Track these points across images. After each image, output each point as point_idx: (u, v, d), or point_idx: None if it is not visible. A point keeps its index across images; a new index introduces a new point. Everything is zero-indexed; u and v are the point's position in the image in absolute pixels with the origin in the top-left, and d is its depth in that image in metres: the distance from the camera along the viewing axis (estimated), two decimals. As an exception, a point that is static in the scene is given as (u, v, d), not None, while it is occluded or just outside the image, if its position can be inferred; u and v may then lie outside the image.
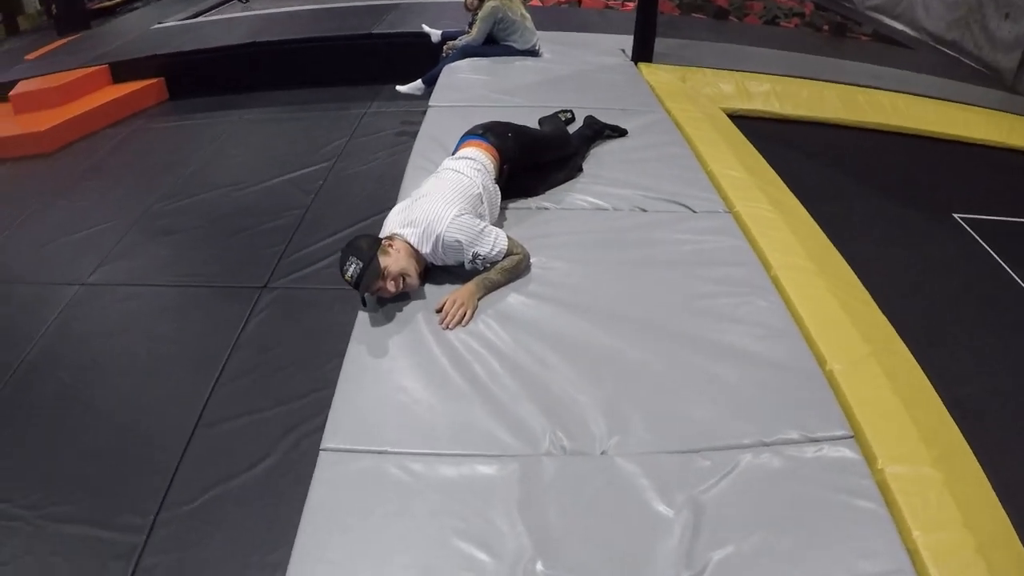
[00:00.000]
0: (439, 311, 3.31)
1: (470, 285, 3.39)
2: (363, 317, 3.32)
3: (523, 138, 4.30)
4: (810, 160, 5.83)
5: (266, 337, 4.59)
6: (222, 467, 3.66)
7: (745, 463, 2.55)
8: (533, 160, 4.33)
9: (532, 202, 4.25)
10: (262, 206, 6.20)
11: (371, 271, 3.21)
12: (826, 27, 11.05)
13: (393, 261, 3.32)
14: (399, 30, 9.03)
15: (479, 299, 3.38)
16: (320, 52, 9.07)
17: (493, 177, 4.00)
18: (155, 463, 3.70)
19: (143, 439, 3.88)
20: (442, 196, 3.58)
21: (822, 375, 2.99)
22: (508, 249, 3.49)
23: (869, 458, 2.63)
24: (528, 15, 7.30)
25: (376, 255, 3.27)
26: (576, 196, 4.31)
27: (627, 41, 7.32)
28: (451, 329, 3.21)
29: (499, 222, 3.93)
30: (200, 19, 11.36)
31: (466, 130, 4.27)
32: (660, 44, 7.14)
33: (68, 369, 4.46)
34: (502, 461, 2.58)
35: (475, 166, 3.91)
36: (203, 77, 9.12)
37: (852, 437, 2.69)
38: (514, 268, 3.50)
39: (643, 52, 7.01)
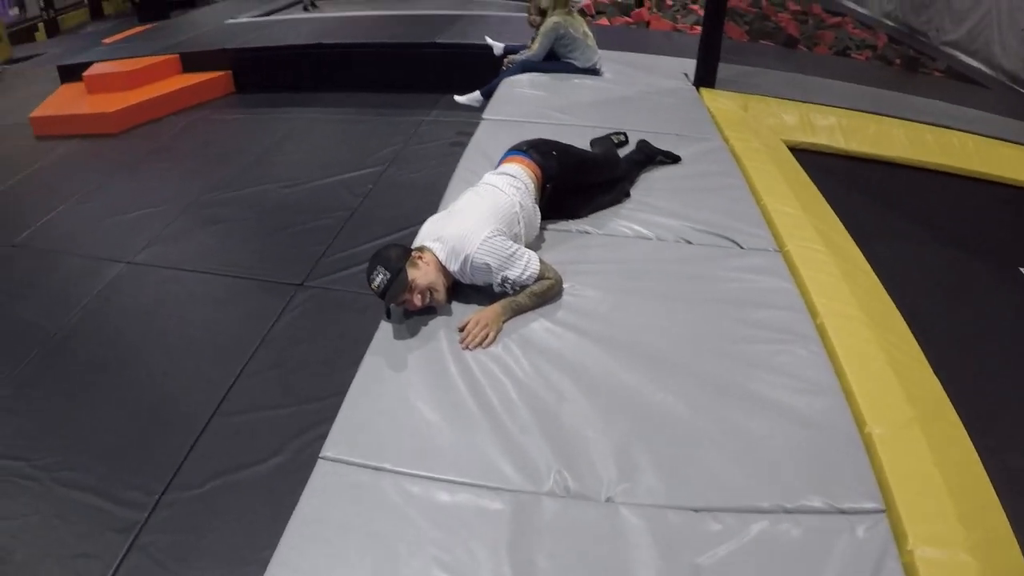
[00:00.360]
0: (461, 329, 3.17)
1: (496, 307, 3.24)
2: (384, 327, 3.20)
3: (568, 157, 4.10)
4: (870, 200, 5.47)
5: (296, 334, 4.54)
6: (232, 457, 3.63)
7: (759, 530, 2.30)
8: (578, 181, 4.13)
9: (573, 225, 4.03)
10: (310, 205, 6.16)
11: (398, 283, 3.09)
12: (898, 61, 10.68)
13: (422, 275, 3.20)
14: (462, 41, 8.93)
15: (504, 322, 3.22)
16: (383, 58, 9.04)
17: (533, 196, 3.82)
18: (169, 444, 3.70)
19: (162, 418, 3.90)
20: (476, 214, 3.43)
21: (859, 438, 2.67)
22: (540, 273, 3.32)
23: (899, 537, 2.33)
24: (591, 33, 7.10)
25: (405, 267, 3.15)
26: (620, 222, 4.06)
27: (691, 65, 7.05)
28: (471, 350, 3.07)
29: (536, 243, 3.77)
30: (270, 18, 11.43)
31: (510, 146, 4.11)
32: (724, 70, 6.87)
33: (101, 342, 4.53)
34: (500, 495, 2.41)
35: (515, 183, 3.74)
36: (268, 74, 9.17)
37: (883, 512, 2.38)
38: (544, 293, 3.32)
39: (705, 77, 6.76)
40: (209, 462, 3.58)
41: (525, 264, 3.27)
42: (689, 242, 3.88)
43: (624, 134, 5.14)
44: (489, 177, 3.83)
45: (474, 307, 3.29)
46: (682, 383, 2.88)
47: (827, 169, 5.56)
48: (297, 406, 3.89)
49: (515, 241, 3.42)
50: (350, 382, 2.84)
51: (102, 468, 3.58)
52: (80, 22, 16.89)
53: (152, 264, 5.30)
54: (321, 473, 2.45)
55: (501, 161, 4.02)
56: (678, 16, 11.88)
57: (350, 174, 6.68)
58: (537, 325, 3.21)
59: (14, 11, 15.29)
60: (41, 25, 15.81)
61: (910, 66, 10.52)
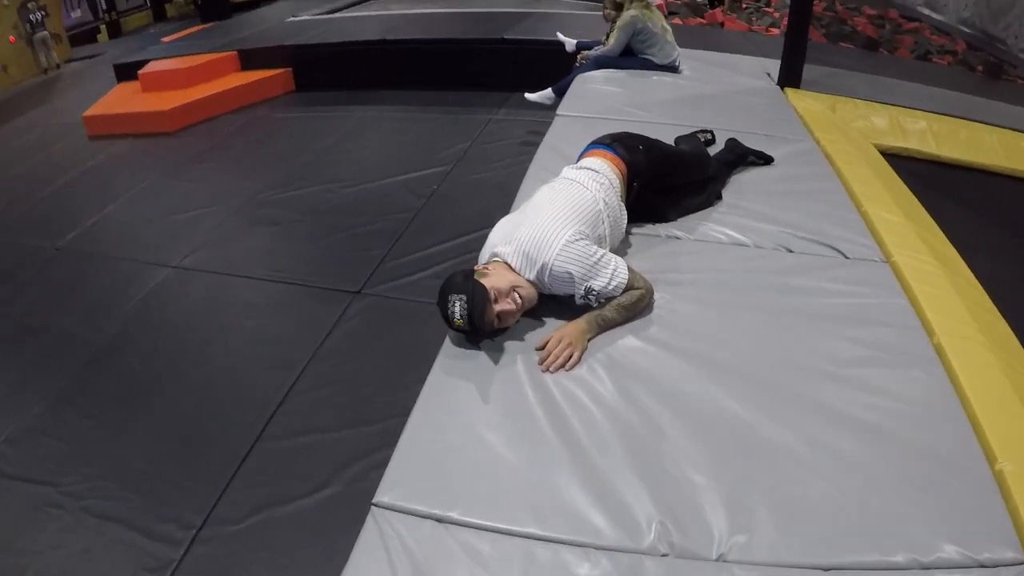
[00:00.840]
0: (541, 349, 2.76)
1: (581, 322, 2.83)
2: (450, 344, 2.80)
3: (656, 153, 3.68)
4: (967, 209, 4.99)
5: (351, 348, 4.16)
6: (278, 488, 3.26)
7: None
8: (666, 180, 3.72)
9: (661, 229, 3.61)
10: (370, 206, 5.82)
11: (479, 298, 2.68)
12: (980, 67, 10.19)
13: (497, 279, 2.80)
14: (532, 37, 8.54)
15: (590, 340, 2.81)
16: (449, 54, 8.71)
17: (619, 195, 3.40)
18: (209, 471, 3.34)
19: (202, 442, 3.55)
20: (555, 213, 3.02)
21: (991, 476, 2.25)
22: (628, 283, 2.90)
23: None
24: (669, 28, 6.71)
25: (476, 280, 2.75)
26: (712, 227, 3.64)
27: (771, 65, 6.66)
28: (552, 372, 2.66)
29: (622, 248, 3.36)
30: (333, 16, 11.19)
31: (592, 140, 3.70)
32: (807, 71, 6.43)
33: (141, 356, 4.21)
34: (590, 555, 1.98)
35: (598, 179, 3.33)
36: (330, 71, 8.91)
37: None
38: (633, 306, 2.91)
39: (790, 76, 6.31)
40: (252, 493, 3.22)
41: (612, 272, 2.87)
42: (790, 250, 3.46)
43: (711, 132, 4.71)
44: (568, 172, 3.45)
45: (552, 322, 2.88)
46: (793, 413, 2.45)
47: (919, 175, 5.09)
48: (352, 429, 3.49)
49: (599, 245, 3.04)
50: (410, 404, 2.47)
51: (136, 497, 3.24)
52: (143, 24, 16.89)
53: (199, 269, 5.00)
54: (373, 524, 2.05)
55: (581, 156, 3.63)
56: (753, 18, 11.50)
57: (413, 174, 6.31)
58: (626, 343, 2.80)
59: (76, 13, 15.28)
60: (103, 27, 15.85)
61: (993, 73, 10.07)
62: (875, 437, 2.36)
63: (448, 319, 2.71)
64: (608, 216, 3.22)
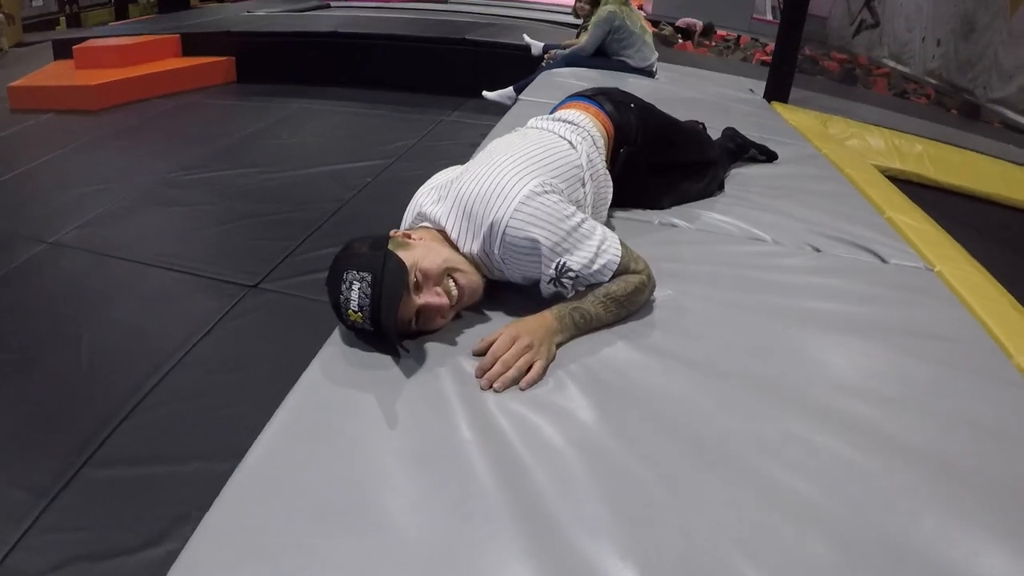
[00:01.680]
0: (480, 353, 1.76)
1: (547, 316, 1.84)
2: (335, 347, 1.78)
3: (650, 117, 2.76)
4: (975, 237, 4.29)
5: (230, 352, 3.18)
6: (95, 536, 2.22)
7: None
8: (661, 155, 2.77)
9: (655, 216, 2.75)
10: (291, 194, 4.90)
11: (392, 280, 1.69)
12: (954, 111, 9.72)
13: (424, 254, 1.82)
14: (495, 39, 7.74)
15: (560, 344, 1.83)
16: (406, 52, 7.87)
17: (603, 158, 2.48)
18: (12, 501, 2.33)
19: (16, 463, 2.53)
20: (513, 159, 2.02)
21: None
22: (622, 264, 1.93)
23: None
24: (648, 29, 5.90)
25: (391, 252, 1.76)
26: (718, 217, 2.80)
27: (753, 83, 5.95)
28: (498, 391, 1.65)
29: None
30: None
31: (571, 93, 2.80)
32: (791, 92, 5.70)
33: None
34: None
35: (578, 132, 2.40)
36: (275, 62, 8.05)
37: None
38: (628, 298, 1.93)
39: (778, 91, 5.49)
40: (60, 540, 2.22)
41: (599, 246, 1.90)
42: (817, 249, 2.62)
43: (702, 124, 3.62)
44: (536, 122, 2.51)
45: (502, 319, 1.89)
46: (853, 452, 1.52)
47: (920, 200, 4.46)
48: (205, 462, 2.47)
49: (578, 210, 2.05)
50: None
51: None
52: (103, 21, 16.05)
53: (77, 247, 4.04)
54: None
55: (555, 109, 2.71)
56: (725, 53, 10.91)
57: (347, 165, 5.42)
58: (615, 353, 1.83)
59: (39, 2, 14.34)
60: (62, 19, 15.01)
61: (971, 114, 9.57)
62: (978, 478, 1.49)
63: (338, 309, 1.74)
64: (592, 178, 2.29)
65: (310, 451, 1.43)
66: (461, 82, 7.27)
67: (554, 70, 5.58)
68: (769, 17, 14.96)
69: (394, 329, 1.67)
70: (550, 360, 1.74)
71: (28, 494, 2.36)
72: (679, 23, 11.48)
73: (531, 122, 2.52)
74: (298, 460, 1.41)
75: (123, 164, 5.41)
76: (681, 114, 3.33)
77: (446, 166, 2.40)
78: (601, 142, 2.48)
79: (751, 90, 5.79)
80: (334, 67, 7.95)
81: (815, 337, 1.99)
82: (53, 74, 7.62)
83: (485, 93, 6.21)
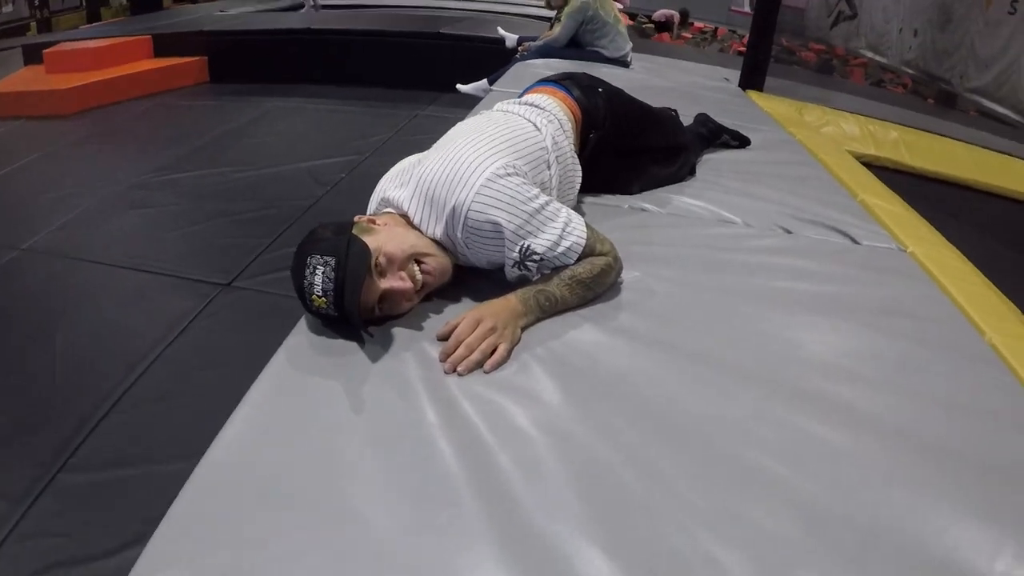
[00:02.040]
0: (444, 338, 1.75)
1: (512, 299, 1.83)
2: (301, 335, 1.77)
3: (619, 102, 2.77)
4: (949, 222, 4.32)
5: (205, 350, 3.17)
6: (71, 540, 2.22)
7: None
8: (630, 140, 2.77)
9: (624, 201, 2.74)
10: (262, 192, 4.86)
11: (355, 263, 1.69)
12: (931, 100, 9.84)
13: (389, 238, 1.82)
14: (470, 33, 7.71)
15: (524, 327, 1.81)
16: (380, 47, 7.77)
17: (571, 142, 2.46)
18: None
19: None
20: (476, 142, 2.02)
21: None
22: (588, 246, 1.93)
23: None
24: (621, 19, 5.88)
25: (354, 236, 1.77)
26: (689, 201, 2.79)
27: (728, 73, 5.96)
28: (462, 375, 1.64)
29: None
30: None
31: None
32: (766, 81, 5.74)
33: None
34: None
35: (544, 116, 2.39)
36: (248, 61, 7.96)
37: None
38: (594, 280, 1.93)
39: (753, 79, 5.47)
40: (37, 547, 2.22)
41: (564, 229, 1.89)
42: (788, 231, 2.62)
43: (675, 111, 3.57)
44: (501, 105, 2.50)
45: (468, 303, 1.89)
46: (826, 429, 1.52)
47: (894, 185, 4.48)
48: (186, 462, 2.38)
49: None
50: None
51: None
52: (74, 25, 15.90)
53: (48, 252, 4.01)
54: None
55: (523, 95, 2.69)
56: (703, 44, 10.97)
57: (319, 161, 5.39)
58: (580, 335, 1.82)
59: (8, 8, 14.19)
60: (33, 24, 14.82)
61: (947, 102, 9.71)
62: (958, 463, 1.48)
63: (303, 294, 1.73)
64: (557, 160, 2.27)
65: (274, 440, 1.42)
66: (438, 76, 7.18)
67: (527, 61, 5.57)
68: (746, 9, 15.01)
69: (358, 313, 1.68)
70: (515, 343, 1.73)
71: (5, 502, 2.34)
72: (656, 16, 11.52)
73: (496, 106, 2.51)
74: (262, 450, 1.40)
75: (93, 169, 5.36)
76: (654, 101, 3.30)
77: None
78: (568, 126, 2.47)
79: (726, 79, 5.77)
80: (308, 64, 7.88)
81: (785, 317, 1.99)
82: (23, 80, 7.53)
83: (459, 86, 6.18)
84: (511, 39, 6.65)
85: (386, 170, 2.25)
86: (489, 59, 6.49)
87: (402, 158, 2.32)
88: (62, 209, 4.51)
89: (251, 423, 1.48)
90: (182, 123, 6.65)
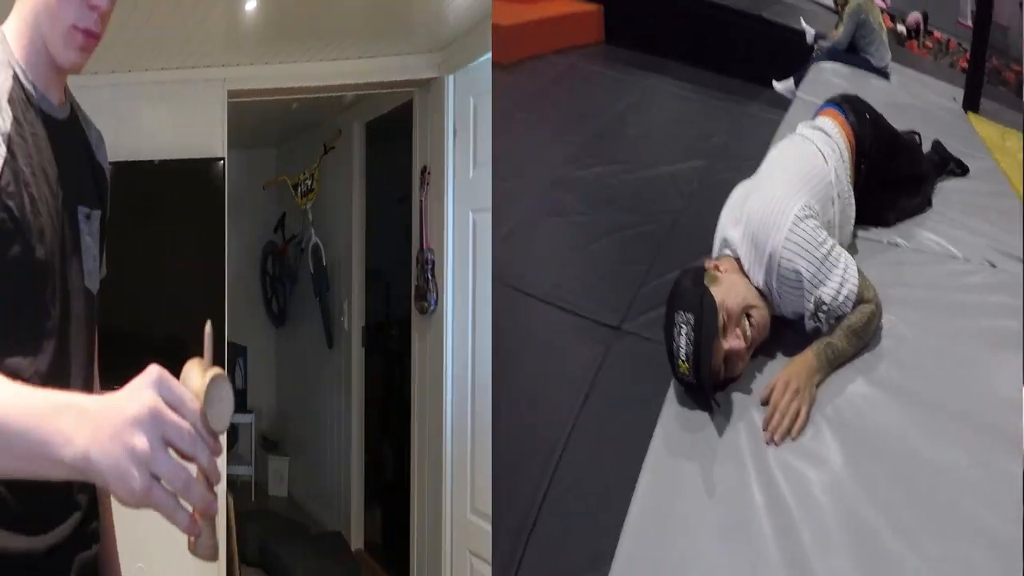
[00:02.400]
0: (765, 402, 1.91)
1: (809, 356, 1.98)
2: (670, 405, 2.02)
3: (882, 130, 2.91)
4: None
5: (604, 420, 2.93)
6: None
7: None
8: (886, 169, 2.92)
9: (883, 235, 2.93)
10: (640, 199, 4.65)
11: (708, 324, 1.82)
12: None
13: (728, 288, 1.99)
14: (784, 22, 7.62)
15: (818, 384, 1.96)
16: (726, 28, 7.67)
17: (848, 174, 2.61)
18: None
19: None
20: (784, 177, 2.24)
21: None
22: (858, 292, 2.05)
23: None
24: (885, 27, 6.22)
25: (707, 290, 1.93)
26: (927, 235, 2.99)
27: (956, 92, 6.22)
28: (778, 444, 1.84)
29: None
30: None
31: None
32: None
33: None
34: None
35: (830, 144, 2.57)
36: (644, 26, 7.74)
37: None
38: (864, 329, 2.05)
39: (971, 101, 5.80)
40: None
41: (843, 275, 2.03)
42: (993, 264, 2.77)
43: (918, 134, 3.68)
44: (802, 128, 2.74)
45: (781, 360, 2.06)
46: None
47: None
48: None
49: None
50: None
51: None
52: None
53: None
54: None
55: (815, 114, 2.95)
56: (939, 57, 10.80)
57: (678, 165, 5.20)
58: (852, 387, 2.03)
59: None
60: None
61: None
62: None
63: (672, 358, 1.88)
64: (839, 196, 2.41)
65: (659, 544, 1.71)
66: (754, 64, 7.44)
67: (820, 63, 6.03)
68: (969, 23, 13.54)
69: (709, 380, 1.82)
70: (812, 403, 1.85)
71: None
72: (908, 22, 10.85)
73: (799, 128, 2.69)
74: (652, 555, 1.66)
75: (532, 147, 5.27)
76: (899, 119, 3.52)
77: (752, 168, 2.62)
78: (847, 155, 2.58)
79: (954, 99, 5.98)
80: (686, 39, 7.54)
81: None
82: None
83: (775, 84, 6.64)
84: (810, 34, 6.87)
85: (726, 185, 2.47)
86: (789, 50, 6.85)
87: (734, 170, 2.77)
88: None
89: (644, 509, 1.76)
90: (584, 95, 6.63)
